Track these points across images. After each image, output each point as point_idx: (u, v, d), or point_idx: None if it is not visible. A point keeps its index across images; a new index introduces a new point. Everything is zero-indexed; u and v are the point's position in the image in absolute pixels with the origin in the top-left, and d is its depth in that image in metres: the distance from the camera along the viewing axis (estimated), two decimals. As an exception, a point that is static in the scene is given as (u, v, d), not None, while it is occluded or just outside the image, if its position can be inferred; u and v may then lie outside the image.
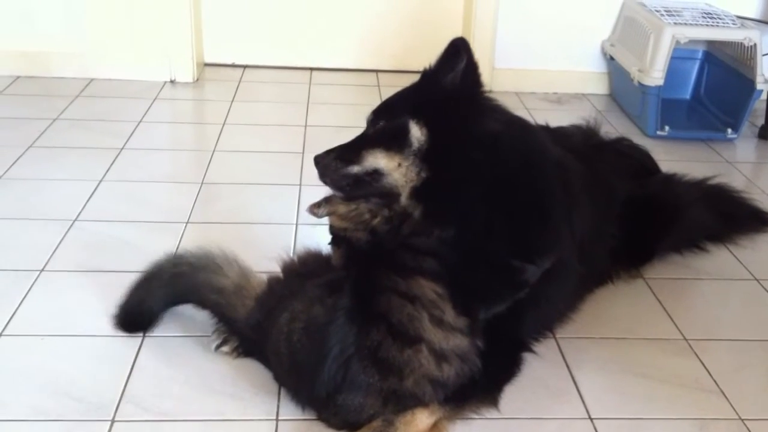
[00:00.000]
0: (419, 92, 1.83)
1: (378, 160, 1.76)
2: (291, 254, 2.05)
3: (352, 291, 1.65)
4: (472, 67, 1.77)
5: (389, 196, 1.76)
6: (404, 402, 1.61)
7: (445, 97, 1.77)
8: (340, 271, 1.77)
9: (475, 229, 1.70)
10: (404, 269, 1.65)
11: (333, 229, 1.82)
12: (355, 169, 1.78)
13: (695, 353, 2.00)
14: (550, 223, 1.79)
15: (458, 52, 1.76)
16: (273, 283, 1.88)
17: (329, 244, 1.86)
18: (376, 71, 4.11)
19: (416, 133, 1.74)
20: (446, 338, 1.62)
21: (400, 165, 1.75)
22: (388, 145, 1.76)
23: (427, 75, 1.82)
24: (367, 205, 1.77)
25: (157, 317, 1.93)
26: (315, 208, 1.82)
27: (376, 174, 1.76)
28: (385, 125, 1.80)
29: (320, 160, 1.82)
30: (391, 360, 1.59)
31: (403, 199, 1.76)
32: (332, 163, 1.80)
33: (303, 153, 3.07)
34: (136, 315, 1.93)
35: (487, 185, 1.73)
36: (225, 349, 1.89)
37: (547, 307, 1.93)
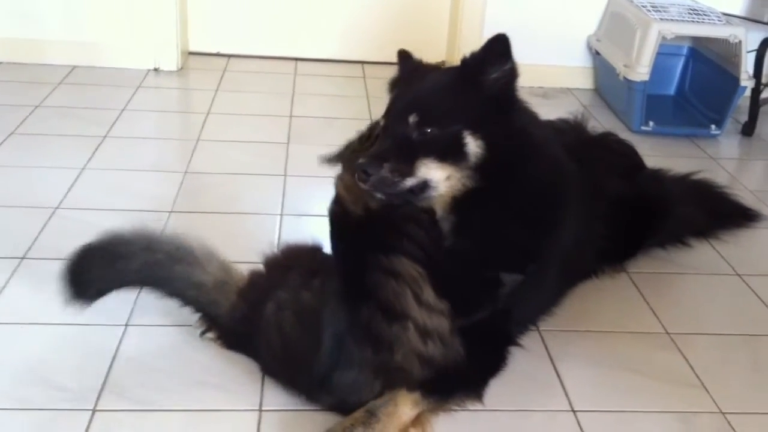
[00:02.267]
0: (465, 91, 1.73)
1: (431, 171, 1.68)
2: (274, 248, 2.04)
3: (340, 272, 1.66)
4: (515, 72, 1.72)
5: (427, 203, 1.71)
6: (394, 376, 1.63)
7: (491, 98, 1.71)
8: (323, 258, 1.77)
9: (488, 239, 1.69)
10: (387, 246, 1.65)
11: (335, 190, 1.76)
12: (409, 182, 1.67)
13: (678, 347, 2.01)
14: (553, 233, 1.79)
15: (504, 51, 1.69)
16: (255, 276, 1.87)
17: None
18: (362, 62, 4.10)
19: (473, 146, 1.68)
20: (429, 316, 1.64)
21: (449, 177, 1.69)
22: (443, 156, 1.68)
23: (470, 69, 1.73)
24: None
25: (107, 293, 1.84)
26: (326, 161, 1.77)
27: (424, 185, 1.69)
28: (438, 134, 1.69)
29: (373, 172, 1.64)
30: (382, 335, 1.61)
31: (440, 210, 1.71)
32: (387, 178, 1.65)
33: (288, 143, 3.06)
34: (86, 288, 1.82)
35: (522, 193, 1.71)
36: (210, 335, 1.88)
37: (534, 301, 1.94)
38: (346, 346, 1.62)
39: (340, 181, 1.75)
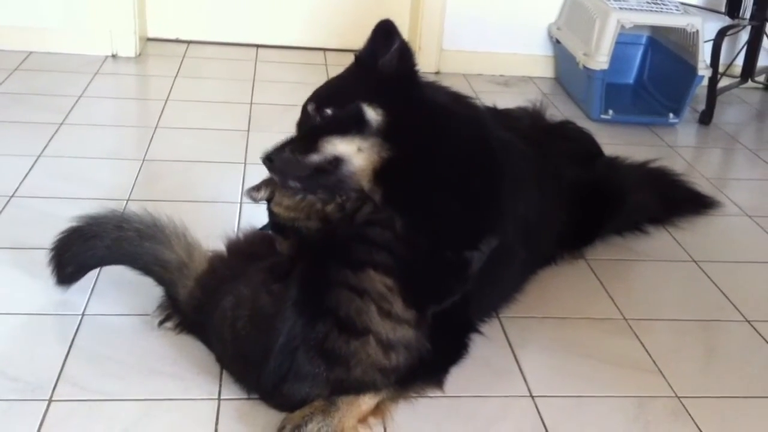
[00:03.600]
0: (360, 76, 1.81)
1: (336, 146, 1.71)
2: (237, 232, 2.02)
3: (300, 283, 1.62)
4: (406, 47, 1.77)
5: (350, 183, 1.72)
6: (354, 391, 1.61)
7: (388, 76, 1.76)
8: (286, 256, 1.74)
9: (426, 213, 1.70)
10: (355, 262, 1.62)
11: (278, 218, 1.75)
12: (314, 158, 1.71)
13: (635, 333, 2.03)
14: (495, 203, 1.80)
15: (389, 33, 1.75)
16: (215, 262, 1.85)
17: (268, 230, 1.81)
18: (324, 49, 4.08)
19: (372, 114, 1.71)
20: (393, 329, 1.61)
21: (360, 149, 1.71)
22: (344, 130, 1.71)
23: (362, 59, 1.80)
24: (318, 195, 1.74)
25: (86, 272, 1.93)
26: (254, 192, 1.76)
27: (336, 161, 1.71)
28: (336, 113, 1.74)
29: (274, 157, 1.71)
30: (337, 351, 1.58)
31: (366, 184, 1.73)
32: (289, 157, 1.70)
33: (248, 131, 3.04)
34: (66, 267, 1.89)
35: (442, 159, 1.73)
36: (168, 325, 1.87)
37: (494, 288, 1.95)
38: (297, 360, 1.58)
39: (279, 206, 1.73)
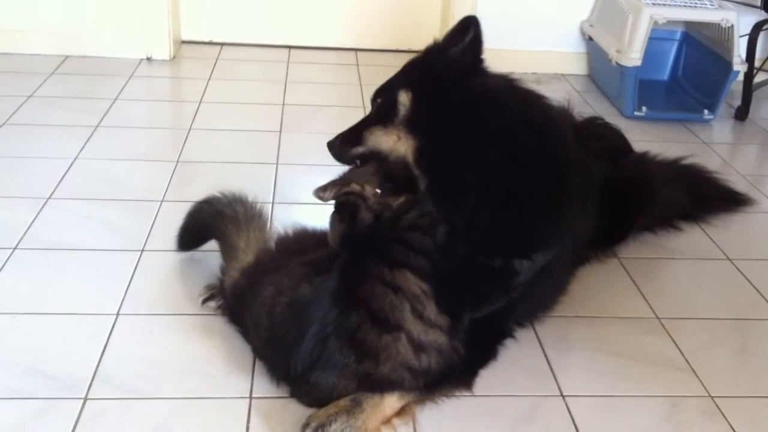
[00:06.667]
0: (417, 65, 1.82)
1: (377, 138, 1.76)
2: (286, 229, 2.04)
3: (338, 273, 1.65)
4: (477, 41, 1.76)
5: (396, 170, 1.74)
6: (380, 387, 1.62)
7: (447, 66, 1.75)
8: (334, 249, 1.76)
9: (473, 212, 1.66)
10: (393, 261, 1.65)
11: (345, 198, 1.74)
12: (359, 150, 1.79)
13: (667, 332, 2.01)
14: (556, 214, 1.74)
15: (468, 27, 1.75)
16: (262, 256, 1.90)
17: (335, 212, 1.79)
18: (356, 50, 4.08)
19: (403, 99, 1.73)
20: (425, 332, 1.63)
21: (399, 138, 1.73)
22: (384, 120, 1.75)
23: (431, 50, 1.80)
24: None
25: (194, 235, 2.13)
26: (321, 192, 1.76)
27: (380, 155, 1.75)
28: (382, 102, 1.80)
29: (332, 146, 1.86)
30: (368, 343, 1.59)
31: (415, 170, 1.73)
32: (340, 148, 1.83)
33: (280, 132, 3.06)
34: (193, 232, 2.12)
35: (491, 154, 1.68)
36: (211, 304, 1.93)
37: (539, 297, 1.93)
38: (328, 347, 1.60)
39: (356, 195, 1.73)
